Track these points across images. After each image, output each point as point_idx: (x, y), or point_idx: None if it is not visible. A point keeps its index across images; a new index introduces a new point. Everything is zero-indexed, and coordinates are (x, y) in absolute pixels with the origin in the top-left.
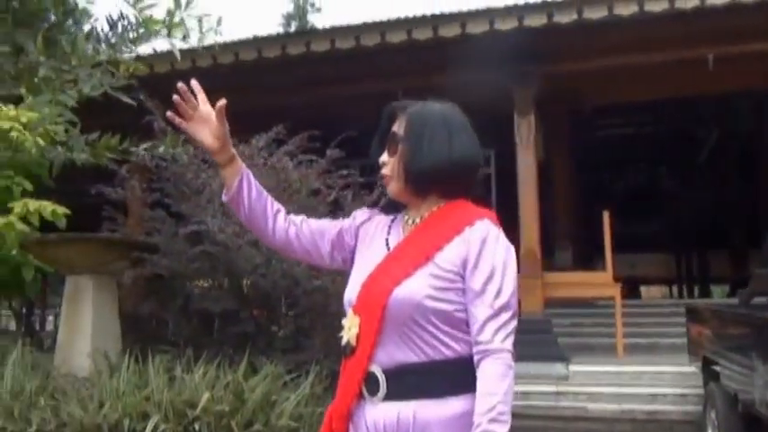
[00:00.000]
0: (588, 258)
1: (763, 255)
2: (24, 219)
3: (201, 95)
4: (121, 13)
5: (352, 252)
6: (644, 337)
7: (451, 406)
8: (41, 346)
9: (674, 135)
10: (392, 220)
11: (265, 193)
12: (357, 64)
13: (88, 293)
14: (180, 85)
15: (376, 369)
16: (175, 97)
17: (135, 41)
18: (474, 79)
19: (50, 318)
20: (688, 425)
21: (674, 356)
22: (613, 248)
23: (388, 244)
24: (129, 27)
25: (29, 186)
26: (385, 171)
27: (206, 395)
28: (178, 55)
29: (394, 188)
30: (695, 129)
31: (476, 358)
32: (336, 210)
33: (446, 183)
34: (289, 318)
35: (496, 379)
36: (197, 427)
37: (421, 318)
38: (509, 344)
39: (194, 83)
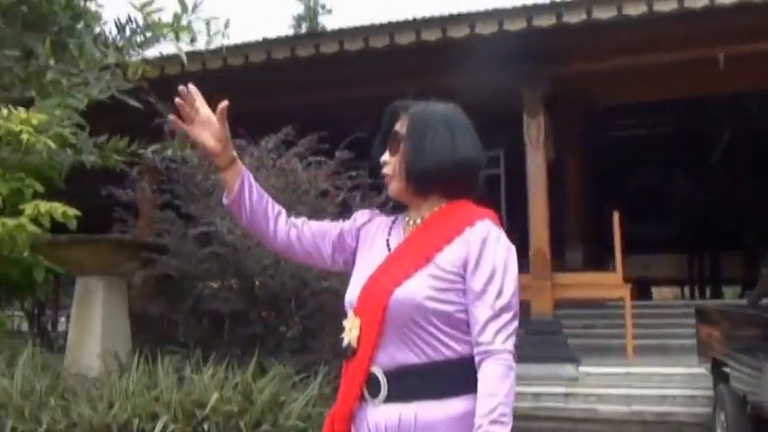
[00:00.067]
0: (599, 259)
1: None
2: (35, 220)
3: (200, 99)
4: (129, 17)
5: (353, 253)
6: (654, 338)
7: (453, 407)
8: (52, 347)
9: (686, 135)
10: (393, 221)
11: (266, 195)
12: (366, 65)
13: (98, 294)
14: (181, 87)
15: (377, 370)
16: (177, 100)
17: (142, 45)
18: (483, 80)
19: (62, 318)
20: (698, 427)
21: (683, 358)
22: (625, 249)
23: (388, 245)
24: (136, 31)
25: (40, 188)
26: (386, 170)
27: (215, 395)
28: (184, 58)
29: (395, 187)
30: (707, 129)
31: (477, 359)
32: (345, 211)
33: (448, 183)
34: (297, 319)
35: (497, 380)
36: (206, 427)
37: (421, 319)
38: (510, 345)
39: (192, 87)
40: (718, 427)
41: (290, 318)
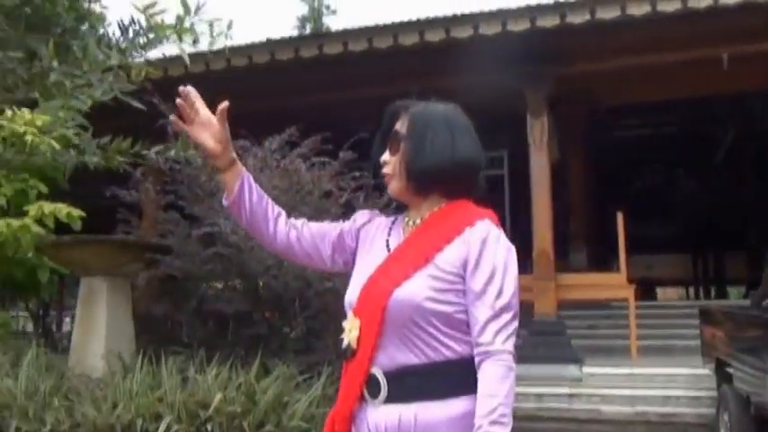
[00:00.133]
0: (603, 260)
1: None
2: (40, 221)
3: (199, 100)
4: (132, 19)
5: (353, 254)
6: (658, 338)
7: (453, 407)
8: (56, 348)
9: (690, 135)
10: (393, 222)
11: (266, 196)
12: (370, 66)
13: (102, 295)
14: (181, 88)
15: (377, 371)
16: (178, 100)
17: (145, 47)
18: (486, 80)
19: (67, 319)
20: (702, 427)
21: (687, 358)
22: (629, 250)
23: (388, 245)
24: (139, 32)
25: (44, 189)
26: (386, 170)
27: (218, 396)
28: (187, 60)
29: (395, 187)
30: (711, 129)
31: (477, 360)
32: (349, 212)
33: (447, 182)
34: (301, 319)
35: (497, 381)
36: (209, 427)
37: (421, 319)
38: (510, 345)
39: (190, 88)
40: (721, 428)
41: (294, 318)
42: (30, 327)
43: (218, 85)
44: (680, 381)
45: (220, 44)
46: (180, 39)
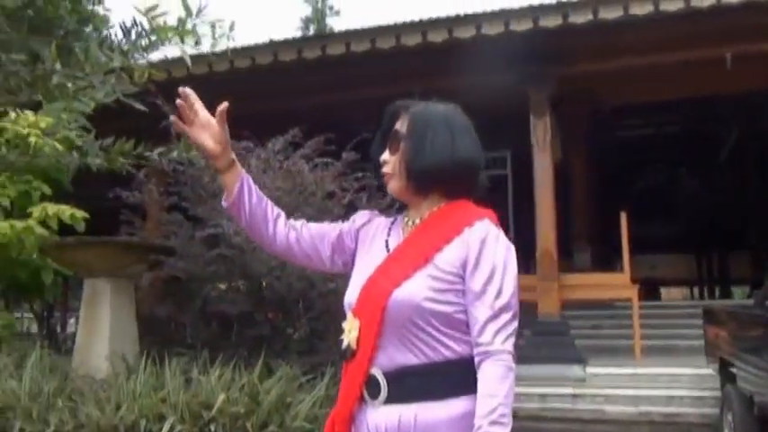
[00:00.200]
0: (607, 260)
1: None
2: (43, 223)
3: (198, 102)
4: (135, 21)
5: (353, 255)
6: (662, 338)
7: (453, 407)
8: (60, 349)
9: (693, 135)
10: (392, 222)
11: (265, 197)
12: (373, 67)
13: (106, 296)
14: (181, 89)
15: (377, 372)
16: (178, 101)
17: (147, 48)
18: (489, 81)
19: (71, 320)
20: (705, 427)
21: (691, 358)
22: (633, 250)
23: (387, 246)
24: (141, 34)
25: (47, 191)
26: (386, 169)
27: (222, 397)
28: (189, 61)
29: (395, 186)
30: (714, 128)
31: (476, 360)
32: (351, 212)
33: (447, 182)
34: (304, 320)
35: (497, 381)
36: (212, 428)
37: (420, 319)
38: (510, 345)
39: (189, 90)
40: (725, 428)
41: (297, 319)
42: (34, 328)
43: (221, 87)
44: (683, 381)
45: (223, 46)
46: (182, 41)
